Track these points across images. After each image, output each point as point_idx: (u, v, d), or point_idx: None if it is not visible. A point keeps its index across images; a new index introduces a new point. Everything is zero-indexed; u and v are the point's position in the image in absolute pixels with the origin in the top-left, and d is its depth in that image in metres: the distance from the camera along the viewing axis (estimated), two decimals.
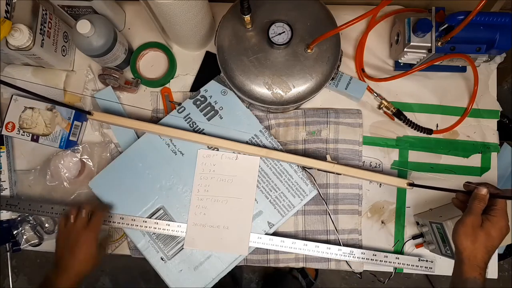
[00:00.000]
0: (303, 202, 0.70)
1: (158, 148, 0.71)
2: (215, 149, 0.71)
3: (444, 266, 0.72)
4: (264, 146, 0.71)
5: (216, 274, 0.69)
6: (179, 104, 0.73)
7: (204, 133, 0.71)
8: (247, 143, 0.71)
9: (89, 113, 0.68)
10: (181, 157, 0.71)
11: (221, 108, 0.72)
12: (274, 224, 0.70)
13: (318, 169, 0.69)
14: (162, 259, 0.69)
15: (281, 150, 0.70)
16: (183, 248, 0.69)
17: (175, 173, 0.71)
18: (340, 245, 0.70)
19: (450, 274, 0.71)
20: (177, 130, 0.69)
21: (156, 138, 0.72)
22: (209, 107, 0.72)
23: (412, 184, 0.65)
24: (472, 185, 0.56)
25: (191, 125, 0.72)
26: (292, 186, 0.71)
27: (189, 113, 0.72)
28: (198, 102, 0.73)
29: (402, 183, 0.66)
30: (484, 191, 0.54)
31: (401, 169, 0.74)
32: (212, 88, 0.73)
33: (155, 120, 0.74)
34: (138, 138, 0.73)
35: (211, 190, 0.70)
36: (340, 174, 0.69)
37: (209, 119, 0.72)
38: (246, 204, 0.70)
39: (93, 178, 0.71)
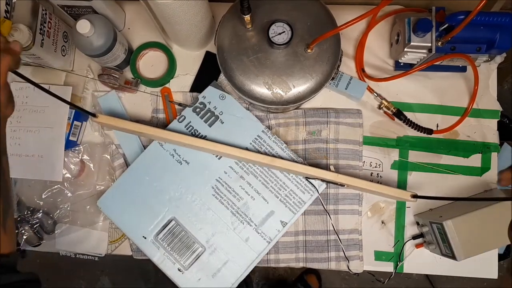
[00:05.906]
0: (313, 197, 0.70)
1: (163, 159, 0.70)
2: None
3: (444, 266, 0.72)
4: (269, 146, 0.71)
5: (235, 279, 0.68)
6: (179, 104, 0.73)
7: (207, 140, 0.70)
8: (250, 144, 0.70)
9: (94, 115, 0.66)
10: (186, 166, 0.70)
11: (221, 113, 0.72)
12: (287, 222, 0.69)
13: (321, 180, 0.68)
14: (179, 270, 0.68)
15: (285, 159, 0.68)
16: (198, 257, 0.68)
17: (183, 182, 0.70)
18: (341, 246, 0.70)
19: (450, 274, 0.71)
20: (184, 136, 0.67)
21: (159, 150, 0.71)
22: (209, 113, 0.72)
23: (415, 196, 0.65)
24: None
25: (193, 133, 0.71)
26: (300, 182, 0.70)
27: (190, 121, 0.71)
28: (197, 110, 0.72)
29: (405, 195, 0.65)
30: None
31: (401, 171, 0.74)
32: (209, 94, 0.72)
33: (155, 121, 0.74)
34: (143, 146, 0.72)
35: (23, 121, 0.73)
36: (344, 186, 0.68)
37: (210, 125, 0.71)
38: (57, 133, 0.72)
39: (101, 198, 0.70)
